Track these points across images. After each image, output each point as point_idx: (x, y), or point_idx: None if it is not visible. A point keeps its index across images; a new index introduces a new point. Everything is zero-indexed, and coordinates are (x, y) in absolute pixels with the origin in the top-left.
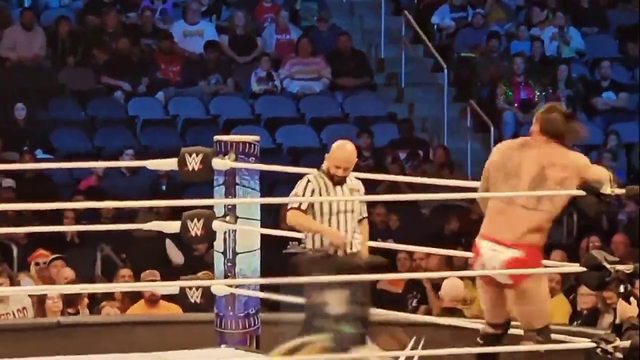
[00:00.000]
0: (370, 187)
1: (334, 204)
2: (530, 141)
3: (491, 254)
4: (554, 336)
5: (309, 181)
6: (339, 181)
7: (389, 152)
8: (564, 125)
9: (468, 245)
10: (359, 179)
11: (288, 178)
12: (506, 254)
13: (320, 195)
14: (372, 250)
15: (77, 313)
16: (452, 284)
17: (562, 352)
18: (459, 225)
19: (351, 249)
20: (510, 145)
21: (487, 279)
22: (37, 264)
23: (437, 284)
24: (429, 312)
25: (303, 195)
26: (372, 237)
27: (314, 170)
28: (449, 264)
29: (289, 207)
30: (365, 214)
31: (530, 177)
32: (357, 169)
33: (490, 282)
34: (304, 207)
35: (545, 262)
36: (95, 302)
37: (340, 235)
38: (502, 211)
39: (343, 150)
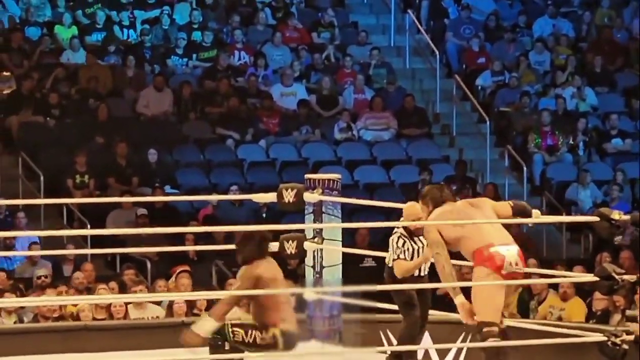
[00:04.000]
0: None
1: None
2: (457, 203)
3: (509, 252)
4: (573, 332)
5: (400, 237)
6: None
7: None
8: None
9: None
10: None
11: (363, 208)
12: (515, 247)
13: (404, 244)
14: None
15: (198, 314)
16: None
17: (580, 344)
18: None
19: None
20: (451, 206)
21: (511, 276)
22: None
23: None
24: None
25: (397, 246)
26: None
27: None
28: None
29: (393, 260)
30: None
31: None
32: (417, 198)
33: (512, 277)
34: (402, 257)
35: (566, 272)
36: (212, 306)
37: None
38: (488, 227)
39: (411, 207)
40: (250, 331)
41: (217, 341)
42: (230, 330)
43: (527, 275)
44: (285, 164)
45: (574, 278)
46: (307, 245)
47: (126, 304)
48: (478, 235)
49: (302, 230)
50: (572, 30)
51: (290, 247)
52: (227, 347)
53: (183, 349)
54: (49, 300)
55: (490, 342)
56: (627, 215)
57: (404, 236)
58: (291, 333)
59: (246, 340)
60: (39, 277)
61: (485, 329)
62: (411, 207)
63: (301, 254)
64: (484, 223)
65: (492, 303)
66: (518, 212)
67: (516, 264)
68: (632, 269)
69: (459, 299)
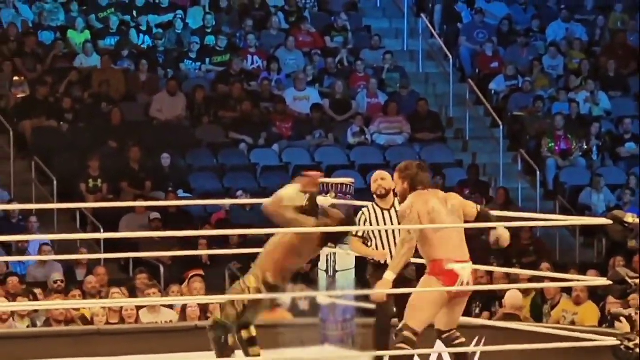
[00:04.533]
0: None
1: (373, 235)
2: (432, 192)
3: (465, 271)
4: (586, 335)
5: (362, 213)
6: (386, 208)
7: (457, 191)
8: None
9: (520, 264)
10: None
11: None
12: (470, 264)
13: (371, 222)
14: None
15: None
16: (514, 295)
17: (593, 348)
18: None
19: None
20: (430, 196)
21: (462, 293)
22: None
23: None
24: (489, 318)
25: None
26: None
27: (369, 203)
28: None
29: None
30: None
31: (459, 213)
32: None
33: (464, 294)
34: (360, 234)
35: (580, 276)
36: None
37: (383, 252)
38: (456, 238)
39: (383, 177)
40: None
41: (220, 338)
42: None
43: (541, 279)
44: (299, 168)
45: (587, 282)
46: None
47: (139, 308)
48: (442, 245)
49: None
50: (585, 34)
51: None
52: (230, 342)
53: (196, 353)
54: (62, 304)
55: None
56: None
57: (373, 209)
58: None
59: None
60: (55, 282)
61: (405, 332)
62: (381, 174)
63: (314, 258)
64: (452, 235)
65: (425, 314)
66: (482, 217)
67: (467, 283)
68: None
69: (389, 275)
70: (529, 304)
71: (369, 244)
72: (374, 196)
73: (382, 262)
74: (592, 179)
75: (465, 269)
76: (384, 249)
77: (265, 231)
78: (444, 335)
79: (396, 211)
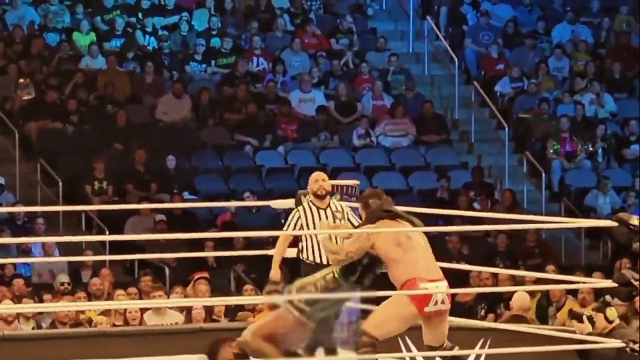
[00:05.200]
0: (448, 220)
1: (317, 228)
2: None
3: (438, 289)
4: (592, 338)
5: (297, 211)
6: (322, 207)
7: (463, 193)
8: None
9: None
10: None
11: None
12: (444, 282)
13: (307, 221)
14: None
15: (217, 320)
16: (521, 297)
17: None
18: (518, 250)
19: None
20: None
21: (440, 312)
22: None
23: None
24: (494, 320)
25: (291, 225)
26: (448, 261)
27: (305, 202)
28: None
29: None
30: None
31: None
32: (436, 204)
33: (431, 315)
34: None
35: (585, 278)
36: (230, 311)
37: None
38: (425, 258)
39: (320, 178)
40: None
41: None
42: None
43: (546, 281)
44: (304, 170)
45: (593, 284)
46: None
47: (143, 310)
48: (413, 265)
49: None
50: (590, 36)
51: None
52: None
53: (201, 355)
54: (66, 306)
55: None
56: None
57: (309, 208)
58: None
59: None
60: (62, 284)
61: (365, 338)
62: (321, 174)
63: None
64: (420, 254)
65: (391, 327)
66: None
67: (442, 302)
68: None
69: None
70: (534, 306)
71: (301, 242)
72: (312, 195)
73: (314, 262)
74: (597, 181)
75: (438, 287)
76: (315, 248)
77: (270, 233)
78: (439, 350)
79: (332, 211)
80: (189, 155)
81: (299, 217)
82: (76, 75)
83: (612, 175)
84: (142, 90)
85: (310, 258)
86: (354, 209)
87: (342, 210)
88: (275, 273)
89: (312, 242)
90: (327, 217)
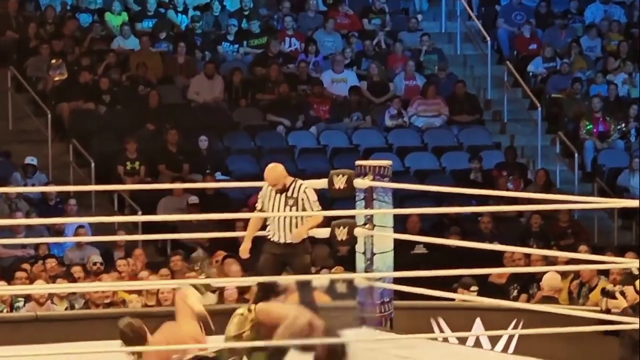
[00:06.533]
0: (481, 200)
1: (275, 209)
2: None
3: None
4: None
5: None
6: (279, 190)
7: (495, 173)
8: None
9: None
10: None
11: (414, 194)
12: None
13: (266, 202)
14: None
15: (247, 301)
16: (552, 277)
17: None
18: (551, 230)
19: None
20: None
21: None
22: (216, 261)
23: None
24: (527, 300)
25: (257, 202)
26: (481, 241)
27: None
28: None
29: None
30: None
31: None
32: (468, 185)
33: None
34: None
35: (617, 258)
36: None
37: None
38: None
39: (270, 171)
40: None
41: None
42: None
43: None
44: (336, 150)
45: (624, 264)
46: (357, 231)
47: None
48: None
49: (353, 217)
50: (624, 16)
51: (341, 234)
52: None
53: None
54: (98, 286)
55: None
56: None
57: (268, 190)
58: None
59: None
60: (94, 264)
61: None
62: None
63: (352, 240)
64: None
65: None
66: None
67: None
68: None
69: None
70: (567, 287)
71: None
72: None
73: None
74: (630, 161)
75: None
76: (277, 229)
77: (302, 214)
78: None
79: (286, 197)
80: (221, 135)
81: (263, 195)
82: (108, 56)
83: None
84: (174, 71)
85: (275, 238)
86: (384, 189)
87: (297, 197)
88: (244, 248)
89: (277, 224)
90: (280, 201)
